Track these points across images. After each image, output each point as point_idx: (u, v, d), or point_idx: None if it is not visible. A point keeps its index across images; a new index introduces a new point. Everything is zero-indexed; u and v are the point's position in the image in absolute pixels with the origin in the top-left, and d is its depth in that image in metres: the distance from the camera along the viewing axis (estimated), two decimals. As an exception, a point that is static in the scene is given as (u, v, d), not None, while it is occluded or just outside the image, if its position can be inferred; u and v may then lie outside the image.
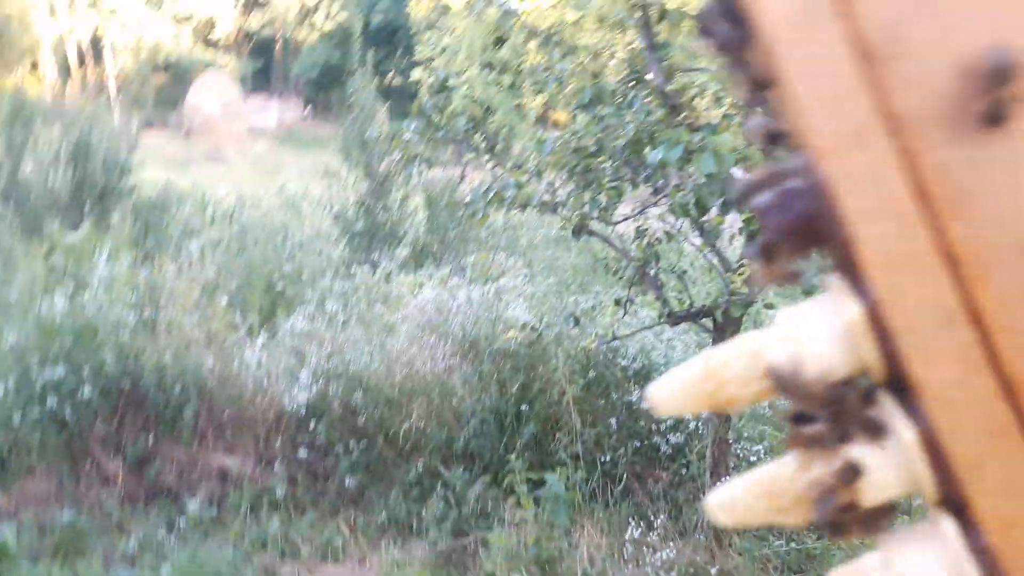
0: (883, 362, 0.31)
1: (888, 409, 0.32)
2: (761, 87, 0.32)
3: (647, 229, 3.28)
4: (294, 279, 5.39)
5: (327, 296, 4.80)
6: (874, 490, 0.32)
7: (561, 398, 3.94)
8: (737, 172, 2.57)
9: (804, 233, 0.31)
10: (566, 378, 3.97)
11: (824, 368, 0.31)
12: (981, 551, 0.30)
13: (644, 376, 4.06)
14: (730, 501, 0.34)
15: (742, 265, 3.08)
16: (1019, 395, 0.29)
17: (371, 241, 7.32)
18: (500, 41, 3.64)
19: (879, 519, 0.33)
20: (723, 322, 3.29)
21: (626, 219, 3.37)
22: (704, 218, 2.83)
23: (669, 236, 3.45)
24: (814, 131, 0.29)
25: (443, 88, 3.19)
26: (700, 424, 3.65)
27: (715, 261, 3.24)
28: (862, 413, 0.32)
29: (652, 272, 3.33)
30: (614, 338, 3.49)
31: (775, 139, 0.33)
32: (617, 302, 3.63)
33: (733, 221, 3.43)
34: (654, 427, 3.86)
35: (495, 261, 6.26)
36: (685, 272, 5.52)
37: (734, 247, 3.91)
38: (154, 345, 4.09)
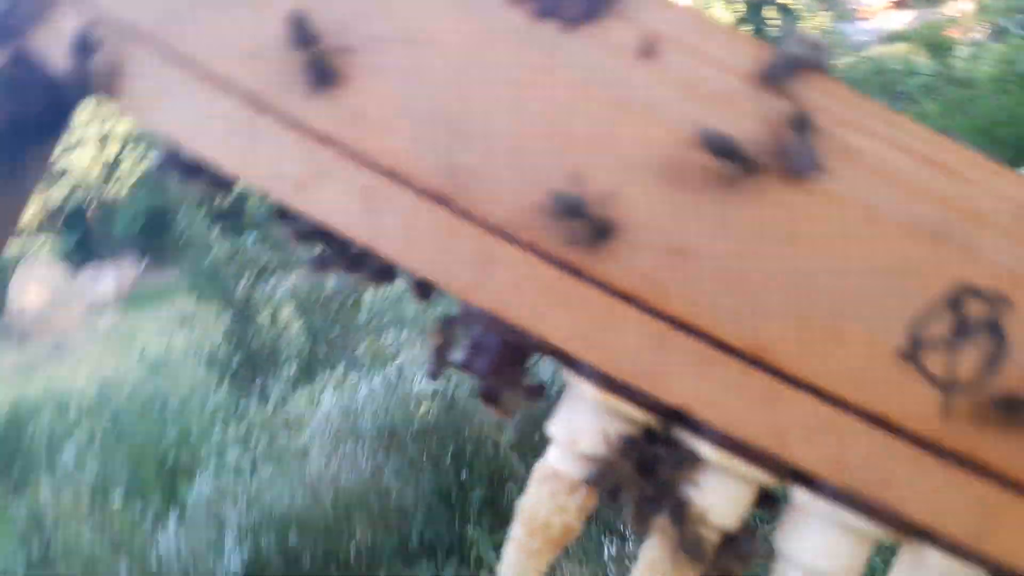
0: (647, 409, 0.35)
1: (687, 439, 0.36)
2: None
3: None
4: (184, 445, 5.05)
5: (225, 448, 4.51)
6: (718, 517, 0.35)
7: (497, 449, 3.87)
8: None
9: (509, 361, 0.36)
10: (494, 428, 3.91)
11: (614, 438, 0.35)
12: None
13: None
14: None
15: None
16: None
17: (253, 371, 6.98)
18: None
19: (743, 545, 0.36)
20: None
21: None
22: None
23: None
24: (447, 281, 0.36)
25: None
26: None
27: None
28: (659, 452, 0.35)
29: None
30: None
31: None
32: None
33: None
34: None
35: (388, 342, 6.12)
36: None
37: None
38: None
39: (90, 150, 32.51)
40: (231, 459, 4.26)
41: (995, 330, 0.34)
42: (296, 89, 0.35)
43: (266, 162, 0.35)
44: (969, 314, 0.34)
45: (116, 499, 4.17)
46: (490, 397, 0.36)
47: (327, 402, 4.42)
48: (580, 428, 0.36)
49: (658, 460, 0.35)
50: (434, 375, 0.37)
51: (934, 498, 0.34)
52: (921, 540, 0.36)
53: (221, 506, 3.90)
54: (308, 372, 6.72)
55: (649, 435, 0.37)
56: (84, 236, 33.94)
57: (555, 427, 0.37)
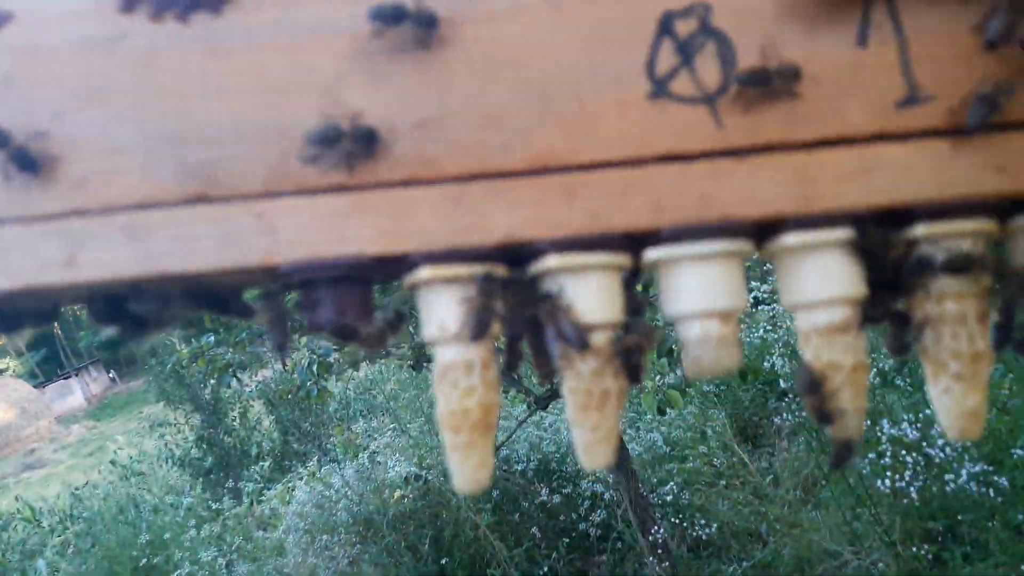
0: (484, 261, 0.37)
1: (537, 267, 0.39)
2: None
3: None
4: (159, 546, 4.91)
5: (199, 548, 4.41)
6: (599, 314, 0.37)
7: (476, 532, 3.81)
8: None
9: (350, 300, 0.37)
10: (472, 510, 3.85)
11: (471, 295, 0.37)
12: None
13: (544, 471, 4.02)
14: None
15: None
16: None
17: (227, 471, 6.87)
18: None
19: (634, 327, 0.38)
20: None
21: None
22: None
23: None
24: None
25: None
26: (612, 494, 3.64)
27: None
28: (516, 290, 0.38)
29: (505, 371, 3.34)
30: (496, 448, 3.45)
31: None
32: (484, 415, 3.59)
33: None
34: (574, 516, 3.81)
35: (360, 430, 6.06)
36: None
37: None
38: None
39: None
40: (206, 558, 4.17)
41: (711, 32, 0.37)
42: (10, 188, 0.36)
43: (22, 264, 0.36)
44: (684, 32, 0.37)
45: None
46: (346, 333, 0.37)
47: (300, 496, 4.36)
48: (442, 315, 0.36)
49: (519, 296, 0.37)
50: (281, 348, 0.39)
51: (755, 191, 0.37)
52: (771, 235, 0.38)
53: (196, 607, 3.80)
54: (281, 466, 6.63)
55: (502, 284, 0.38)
56: (50, 351, 33.40)
57: (425, 332, 0.37)
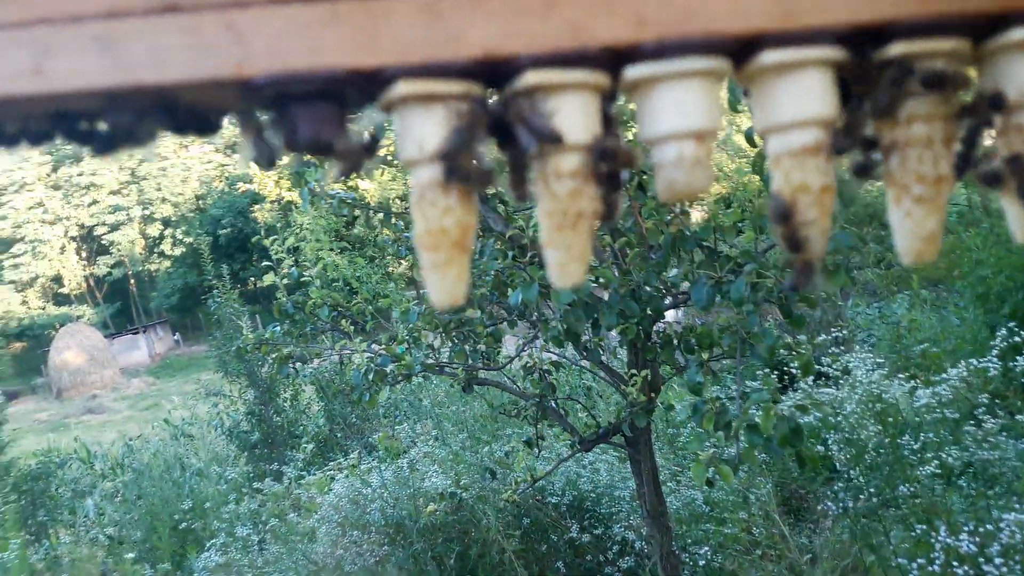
0: (463, 78, 0.36)
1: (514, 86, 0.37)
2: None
3: (534, 365, 3.36)
4: (199, 513, 5.08)
5: (236, 522, 4.54)
6: (576, 133, 0.36)
7: (502, 556, 3.82)
8: (598, 293, 2.72)
9: (327, 117, 0.36)
10: (501, 534, 3.87)
11: (452, 115, 0.36)
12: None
13: (577, 508, 4.01)
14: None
15: (632, 375, 3.18)
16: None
17: (271, 448, 7.06)
18: (352, 221, 3.75)
19: (610, 141, 0.37)
20: (632, 435, 3.35)
21: (511, 360, 3.44)
22: (584, 338, 2.94)
23: (557, 366, 3.53)
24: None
25: (299, 285, 3.24)
26: (643, 544, 3.62)
27: (606, 378, 3.33)
28: (498, 111, 0.37)
29: (551, 404, 3.37)
30: (534, 480, 3.46)
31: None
32: (527, 443, 3.63)
33: (612, 336, 3.57)
34: (602, 558, 3.79)
35: (403, 432, 6.15)
36: (590, 389, 5.63)
37: (620, 359, 4.04)
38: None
39: (134, 229, 33.60)
40: (240, 533, 4.29)
41: None
42: None
43: None
44: None
45: (129, 555, 4.20)
46: (321, 148, 0.35)
47: (338, 488, 4.46)
48: (420, 134, 0.35)
49: (501, 118, 0.36)
50: (270, 164, 0.38)
51: (738, 5, 0.36)
52: (750, 55, 0.37)
53: (225, 578, 3.92)
54: (323, 452, 6.78)
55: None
56: (123, 306, 34.75)
57: (401, 152, 0.36)
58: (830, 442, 3.15)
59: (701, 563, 3.23)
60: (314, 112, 0.36)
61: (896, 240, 0.40)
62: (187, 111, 0.37)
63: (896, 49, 0.37)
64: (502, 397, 4.26)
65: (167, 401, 13.29)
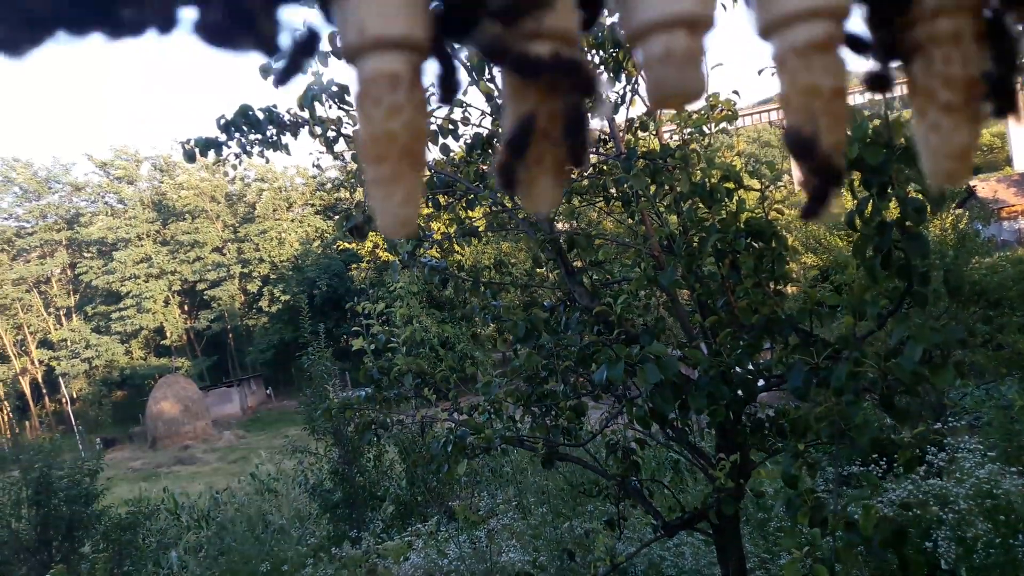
0: None
1: None
2: None
3: (618, 442, 3.28)
4: (276, 573, 5.12)
5: (314, 585, 4.55)
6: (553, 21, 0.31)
7: (577, 641, 3.69)
8: (683, 370, 2.64)
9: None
10: (577, 616, 3.74)
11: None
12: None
13: (659, 593, 3.85)
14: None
15: (720, 459, 3.06)
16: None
17: (353, 508, 7.10)
18: (444, 283, 3.81)
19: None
20: (719, 522, 3.20)
21: (594, 436, 3.37)
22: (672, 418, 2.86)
23: (642, 443, 3.44)
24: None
25: (386, 349, 3.29)
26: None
27: (693, 459, 3.22)
28: None
29: (635, 484, 3.27)
30: (615, 565, 3.34)
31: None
32: (609, 524, 3.52)
33: (700, 418, 3.46)
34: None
35: (483, 500, 6.08)
36: (677, 462, 5.45)
37: (708, 442, 3.90)
38: None
39: (233, 284, 35.25)
40: (316, 598, 4.29)
41: None
42: None
43: None
44: None
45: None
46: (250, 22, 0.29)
47: (415, 559, 4.42)
48: (362, 14, 0.29)
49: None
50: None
51: None
52: None
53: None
54: (403, 517, 6.76)
55: None
56: (219, 359, 36.20)
57: (343, 40, 0.30)
58: (937, 539, 2.93)
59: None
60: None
61: (923, 161, 0.34)
62: None
63: None
64: (584, 474, 4.16)
65: (255, 455, 13.63)
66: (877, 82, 0.36)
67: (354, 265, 26.86)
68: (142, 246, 34.17)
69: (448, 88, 0.33)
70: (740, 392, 2.57)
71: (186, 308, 36.09)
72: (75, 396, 30.44)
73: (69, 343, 32.35)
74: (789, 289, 2.73)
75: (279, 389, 30.88)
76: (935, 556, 2.96)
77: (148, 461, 18.20)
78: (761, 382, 2.66)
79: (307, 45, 0.33)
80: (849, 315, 2.30)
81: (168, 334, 34.38)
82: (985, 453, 3.41)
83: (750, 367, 2.53)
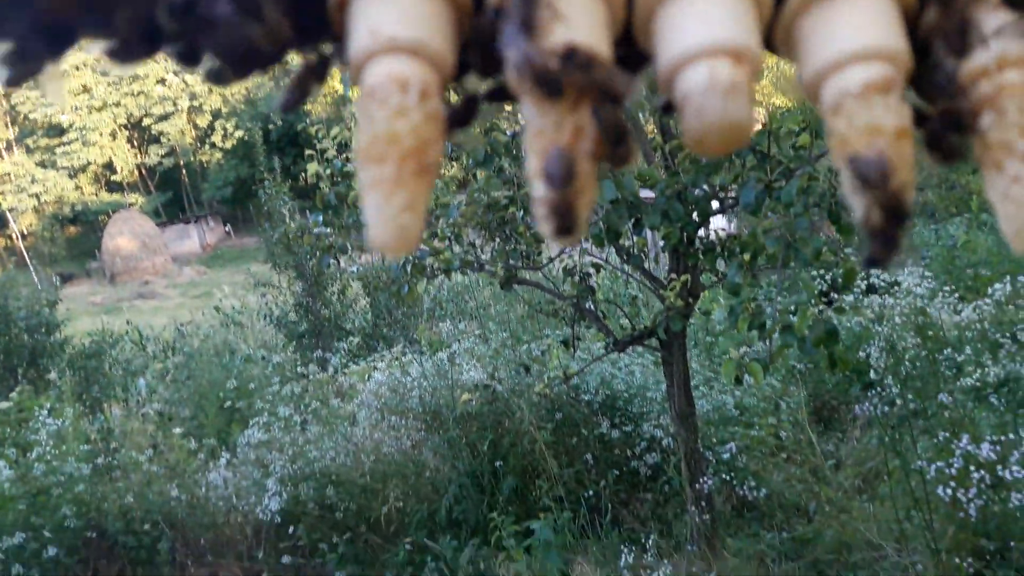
0: None
1: None
2: None
3: (573, 267, 3.39)
4: (244, 393, 5.32)
5: (279, 402, 4.76)
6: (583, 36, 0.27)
7: (533, 446, 3.97)
8: (642, 192, 2.70)
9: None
10: (534, 426, 4.00)
11: None
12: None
13: (609, 406, 4.12)
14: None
15: (671, 280, 3.20)
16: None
17: (318, 339, 7.30)
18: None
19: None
20: (667, 338, 3.39)
21: (551, 260, 3.47)
22: (623, 242, 2.95)
23: (598, 268, 3.56)
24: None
25: (343, 175, 3.27)
26: (671, 440, 3.71)
27: (645, 283, 3.36)
28: None
29: (589, 306, 3.41)
30: (567, 377, 3.55)
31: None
32: (564, 343, 3.70)
33: (654, 240, 3.57)
34: (630, 452, 3.91)
35: (446, 329, 6.29)
36: (636, 298, 5.68)
37: (661, 266, 4.04)
38: (114, 490, 3.99)
39: (182, 119, 33.77)
40: (283, 413, 4.51)
41: None
42: None
43: None
44: None
45: (177, 430, 4.45)
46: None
47: (379, 377, 4.62)
48: (376, 16, 0.27)
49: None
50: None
51: None
52: None
53: (268, 453, 4.15)
54: (368, 345, 6.99)
55: None
56: (175, 195, 35.35)
57: (352, 45, 0.27)
58: (870, 353, 3.17)
59: (725, 456, 3.31)
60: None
61: (1001, 223, 0.30)
62: None
63: None
64: (543, 299, 4.32)
65: (218, 290, 13.72)
66: (947, 153, 0.31)
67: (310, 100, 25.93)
68: (80, 75, 32.35)
69: (464, 114, 0.30)
70: (695, 214, 2.65)
71: (135, 143, 34.81)
72: (25, 232, 29.78)
73: (13, 177, 31.25)
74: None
75: (238, 227, 30.53)
76: (866, 364, 3.21)
77: (108, 296, 18.22)
78: (716, 204, 2.74)
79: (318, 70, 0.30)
80: (806, 135, 2.35)
81: (119, 169, 33.34)
82: (924, 274, 3.61)
83: (705, 187, 2.59)
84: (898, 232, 0.28)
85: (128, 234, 21.24)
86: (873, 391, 3.10)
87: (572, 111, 0.26)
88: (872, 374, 3.14)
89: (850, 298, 3.43)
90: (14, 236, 29.02)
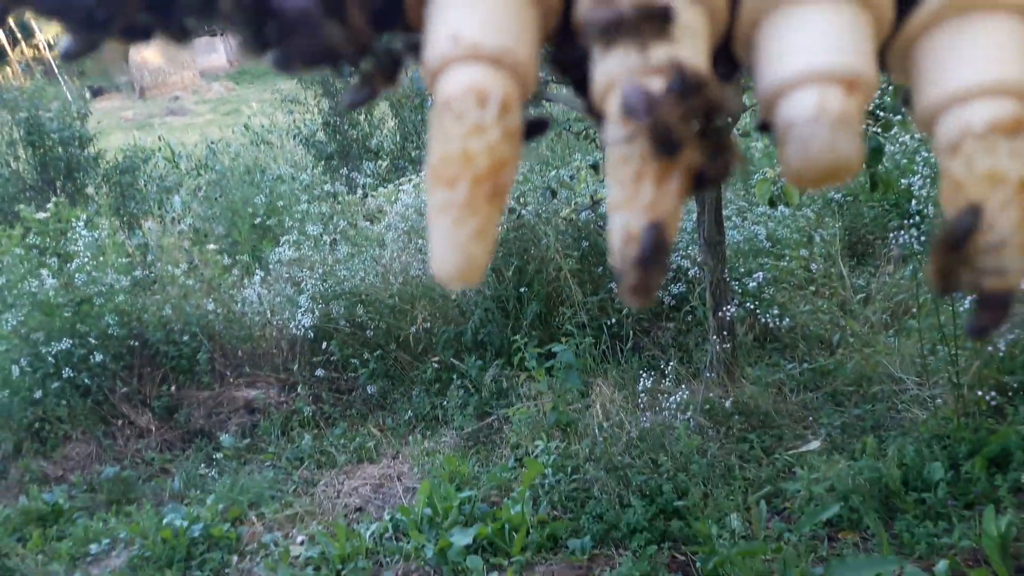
0: None
1: None
2: None
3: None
4: (275, 211, 5.36)
5: (308, 221, 4.79)
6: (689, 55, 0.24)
7: (558, 274, 3.98)
8: None
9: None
10: (560, 254, 4.00)
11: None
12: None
13: (637, 235, 4.08)
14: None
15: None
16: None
17: (346, 160, 7.24)
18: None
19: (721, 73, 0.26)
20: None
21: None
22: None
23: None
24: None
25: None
26: (697, 270, 3.69)
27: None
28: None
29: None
30: (594, 202, 3.48)
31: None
32: (593, 167, 3.59)
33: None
34: (655, 282, 3.91)
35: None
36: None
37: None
38: (153, 302, 4.14)
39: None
40: (312, 232, 4.54)
41: None
42: None
43: None
44: None
45: (211, 246, 4.53)
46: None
47: (406, 199, 4.59)
48: (457, 20, 0.24)
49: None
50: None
51: None
52: None
53: (300, 270, 4.23)
54: (396, 167, 6.93)
55: None
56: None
57: (429, 53, 0.25)
58: (912, 181, 3.03)
59: (751, 285, 3.29)
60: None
61: None
62: None
63: None
64: (572, 117, 4.17)
65: (246, 107, 13.54)
66: None
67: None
68: None
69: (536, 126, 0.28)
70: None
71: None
72: (52, 42, 29.29)
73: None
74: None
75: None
76: (909, 192, 3.09)
77: (139, 112, 18.11)
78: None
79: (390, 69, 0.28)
80: None
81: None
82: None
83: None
84: (1001, 294, 0.25)
85: (154, 48, 20.64)
86: (911, 221, 2.99)
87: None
88: (913, 204, 3.03)
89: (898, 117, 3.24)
90: (41, 46, 28.60)
